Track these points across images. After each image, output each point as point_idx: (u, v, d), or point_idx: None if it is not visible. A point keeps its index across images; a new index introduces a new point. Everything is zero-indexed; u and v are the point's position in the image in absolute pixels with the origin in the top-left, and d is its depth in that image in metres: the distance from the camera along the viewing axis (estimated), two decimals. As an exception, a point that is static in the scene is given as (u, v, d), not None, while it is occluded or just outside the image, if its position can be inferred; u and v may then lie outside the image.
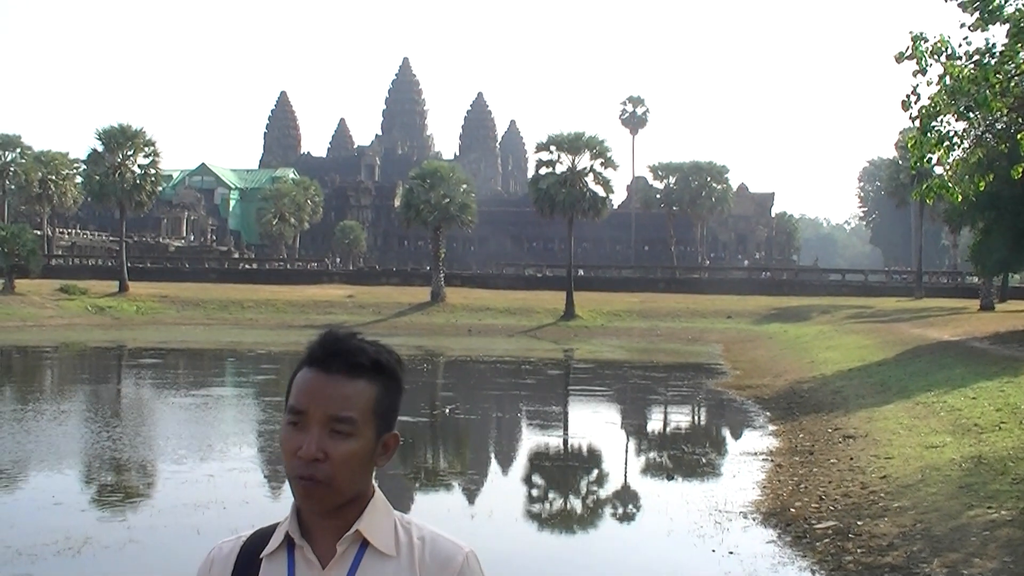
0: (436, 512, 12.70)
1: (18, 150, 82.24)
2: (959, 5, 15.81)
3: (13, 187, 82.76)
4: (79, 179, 79.57)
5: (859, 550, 9.40)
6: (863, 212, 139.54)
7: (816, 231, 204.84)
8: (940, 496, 10.64)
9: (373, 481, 2.11)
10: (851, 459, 13.84)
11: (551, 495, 14.52)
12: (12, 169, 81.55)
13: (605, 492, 14.59)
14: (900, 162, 65.62)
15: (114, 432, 18.05)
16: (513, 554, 10.54)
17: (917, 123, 16.06)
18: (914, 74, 16.02)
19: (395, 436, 2.10)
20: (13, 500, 12.57)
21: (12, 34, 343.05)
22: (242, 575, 2.06)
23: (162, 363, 34.30)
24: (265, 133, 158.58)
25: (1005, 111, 15.92)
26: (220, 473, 13.93)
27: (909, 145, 16.61)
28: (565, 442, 18.97)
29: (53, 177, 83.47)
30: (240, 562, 2.08)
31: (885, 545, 9.37)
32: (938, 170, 20.39)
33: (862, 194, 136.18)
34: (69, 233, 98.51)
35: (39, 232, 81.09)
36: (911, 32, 15.74)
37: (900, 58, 16.12)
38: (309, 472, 1.97)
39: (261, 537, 2.10)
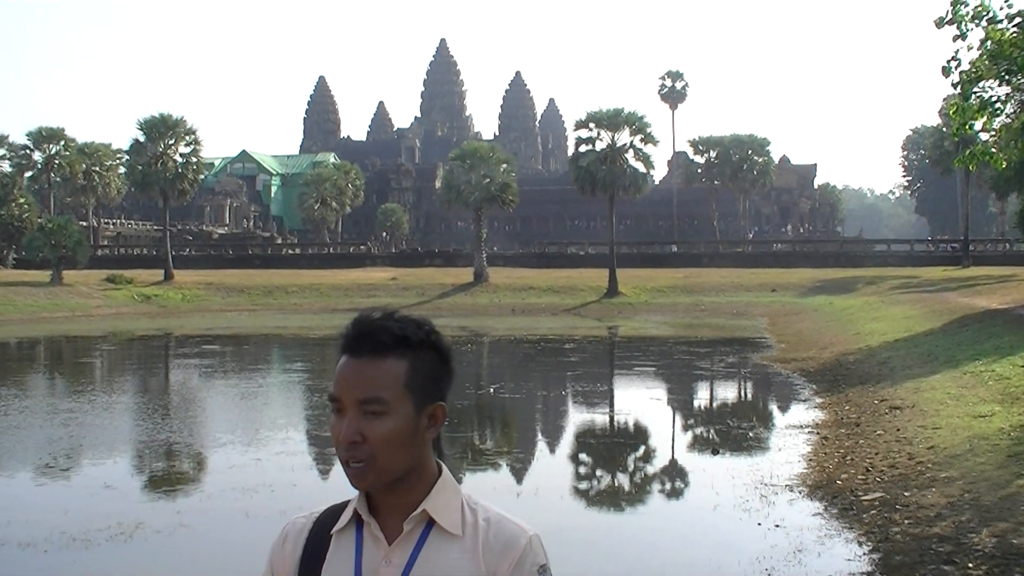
0: (482, 490, 12.76)
1: (62, 143, 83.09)
2: (1000, -32, 15.60)
3: (58, 179, 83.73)
4: (122, 170, 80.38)
5: (906, 521, 9.34)
6: (908, 181, 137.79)
7: (860, 202, 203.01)
8: (989, 465, 10.55)
9: (438, 460, 2.13)
10: (898, 430, 13.74)
11: (596, 471, 14.54)
12: (57, 162, 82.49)
13: (650, 467, 14.59)
14: (944, 129, 64.86)
15: (163, 419, 18.26)
16: (559, 529, 10.56)
17: (958, 89, 15.89)
18: (954, 39, 15.84)
19: (441, 407, 2.10)
20: (66, 487, 12.76)
21: (53, 28, 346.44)
22: (313, 550, 2.11)
23: (208, 350, 34.62)
24: (305, 118, 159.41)
25: (1048, 74, 15.68)
26: (267, 457, 14.06)
27: (951, 112, 16.43)
28: (610, 418, 18.96)
29: (97, 168, 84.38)
30: (312, 538, 2.12)
31: (933, 516, 9.30)
32: (983, 136, 20.17)
33: (906, 163, 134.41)
34: (114, 224, 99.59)
35: (85, 223, 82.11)
36: (951, -3, 15.55)
37: (940, 23, 15.93)
38: (351, 455, 2.01)
39: (332, 514, 2.15)
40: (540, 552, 2.07)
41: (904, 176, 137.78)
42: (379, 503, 2.09)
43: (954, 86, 16.18)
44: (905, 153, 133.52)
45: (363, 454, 2.00)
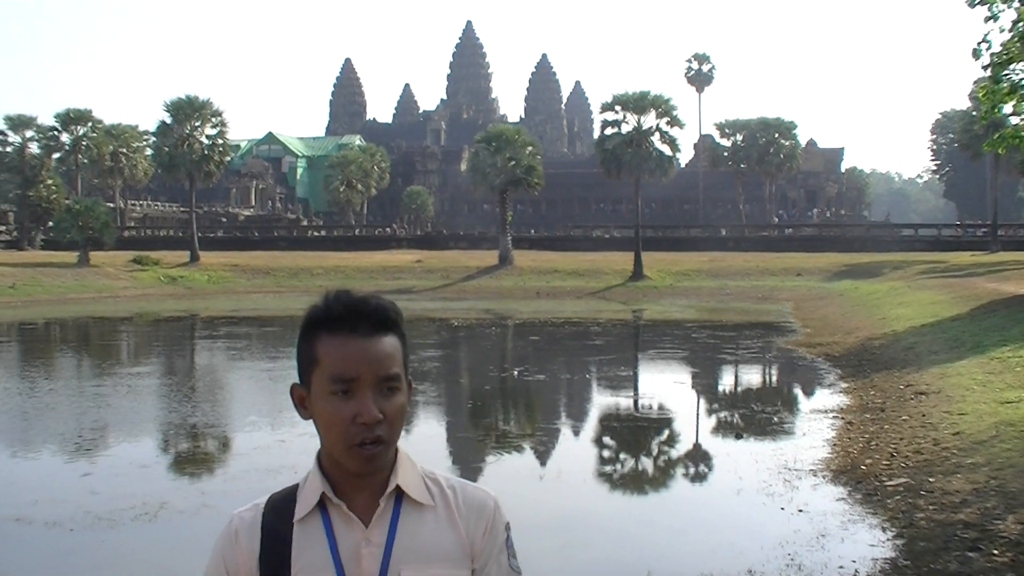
0: (505, 473, 12.77)
1: (89, 124, 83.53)
2: (1031, -52, 15.42)
3: (86, 161, 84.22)
4: (149, 151, 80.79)
5: (931, 507, 9.29)
6: (936, 165, 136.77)
7: (888, 186, 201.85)
8: (1015, 452, 10.47)
9: None
10: (923, 416, 13.66)
11: (620, 455, 14.52)
12: (84, 143, 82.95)
13: (674, 451, 14.55)
14: (974, 113, 64.17)
15: (188, 399, 18.36)
16: (583, 513, 10.57)
17: (988, 72, 15.71)
18: (986, 20, 15.67)
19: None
20: (92, 466, 12.84)
21: (81, 10, 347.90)
22: (272, 542, 2.06)
23: (234, 331, 34.76)
24: (331, 101, 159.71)
25: (1080, 57, 15.48)
26: (292, 438, 14.11)
27: (980, 95, 16.26)
28: (634, 402, 18.93)
29: (124, 150, 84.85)
30: (267, 528, 2.08)
31: (958, 502, 9.24)
32: (1013, 120, 19.96)
33: (935, 147, 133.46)
34: (141, 205, 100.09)
35: (111, 205, 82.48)
36: (981, -22, 15.37)
37: (972, 4, 15.76)
38: (375, 435, 1.99)
39: (281, 502, 2.11)
40: (504, 512, 2.14)
41: (932, 160, 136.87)
42: (345, 484, 2.07)
43: (984, 68, 16.02)
44: (934, 137, 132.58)
45: (385, 433, 2.01)
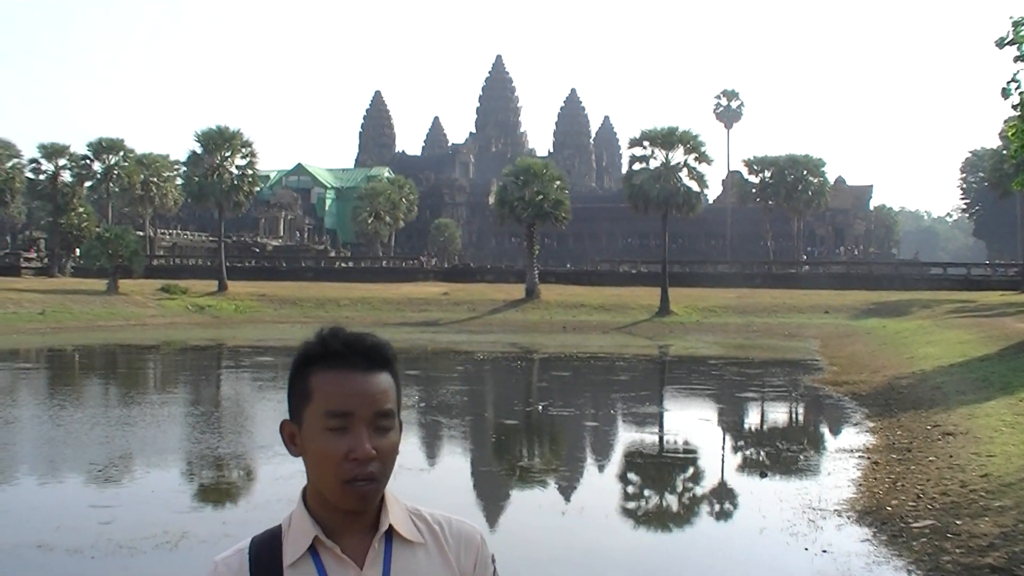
0: (527, 508, 12.72)
1: (121, 153, 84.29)
2: (1062, -11, 15.37)
3: (117, 189, 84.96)
4: (179, 181, 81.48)
5: (958, 550, 9.18)
6: (966, 204, 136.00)
7: (916, 224, 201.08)
8: (1043, 495, 10.34)
9: None
10: (950, 457, 13.52)
11: (643, 491, 14.43)
12: (116, 172, 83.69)
13: (697, 489, 14.46)
14: (1004, 152, 63.92)
15: (213, 429, 18.39)
16: (605, 550, 10.50)
17: (1018, 111, 15.65)
18: (1015, 60, 15.62)
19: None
20: (115, 494, 12.86)
21: (114, 40, 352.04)
22: None
23: (260, 361, 34.85)
24: (360, 132, 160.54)
25: (1111, 98, 15.40)
26: (314, 469, 14.08)
27: (1010, 134, 16.20)
28: (659, 439, 18.83)
29: (154, 179, 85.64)
30: (258, 574, 2.01)
31: (985, 545, 9.12)
32: (1043, 160, 19.87)
33: (964, 185, 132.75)
34: (170, 234, 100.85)
35: (141, 233, 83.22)
36: (1012, 17, 15.33)
37: (1001, 44, 15.72)
38: (367, 472, 1.97)
39: (266, 545, 2.06)
40: (488, 545, 2.15)
41: (962, 199, 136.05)
42: (336, 525, 2.03)
43: (1014, 108, 15.96)
44: (963, 175, 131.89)
45: (378, 470, 1.99)
